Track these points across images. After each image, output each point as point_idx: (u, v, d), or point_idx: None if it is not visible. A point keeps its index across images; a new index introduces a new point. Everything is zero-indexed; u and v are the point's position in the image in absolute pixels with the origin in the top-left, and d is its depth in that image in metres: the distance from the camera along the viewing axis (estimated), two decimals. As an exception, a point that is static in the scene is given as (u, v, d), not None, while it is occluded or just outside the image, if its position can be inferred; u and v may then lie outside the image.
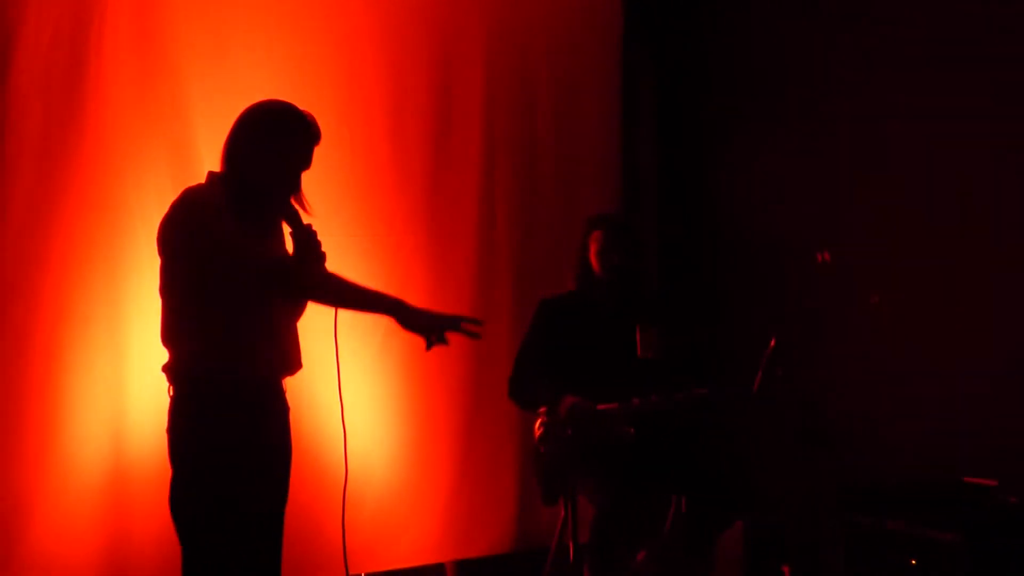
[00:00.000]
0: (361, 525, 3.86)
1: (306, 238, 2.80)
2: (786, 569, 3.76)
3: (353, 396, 3.98)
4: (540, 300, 3.88)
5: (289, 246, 2.88)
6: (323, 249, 2.82)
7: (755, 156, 4.61)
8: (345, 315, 3.79)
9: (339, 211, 4.05)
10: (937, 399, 3.72)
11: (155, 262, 3.87)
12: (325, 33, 4.33)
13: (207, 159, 3.98)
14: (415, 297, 4.41)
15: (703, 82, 5.05)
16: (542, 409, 3.67)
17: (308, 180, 2.90)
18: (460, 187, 4.61)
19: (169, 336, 2.74)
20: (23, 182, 3.72)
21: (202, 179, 3.89)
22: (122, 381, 3.80)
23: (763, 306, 4.38)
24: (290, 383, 2.94)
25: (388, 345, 4.31)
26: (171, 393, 2.72)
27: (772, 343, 3.34)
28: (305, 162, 2.82)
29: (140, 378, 3.81)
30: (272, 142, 2.76)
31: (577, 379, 3.63)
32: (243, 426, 2.69)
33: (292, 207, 2.81)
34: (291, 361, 2.88)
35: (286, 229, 2.84)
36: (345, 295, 2.79)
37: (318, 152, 2.88)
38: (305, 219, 2.84)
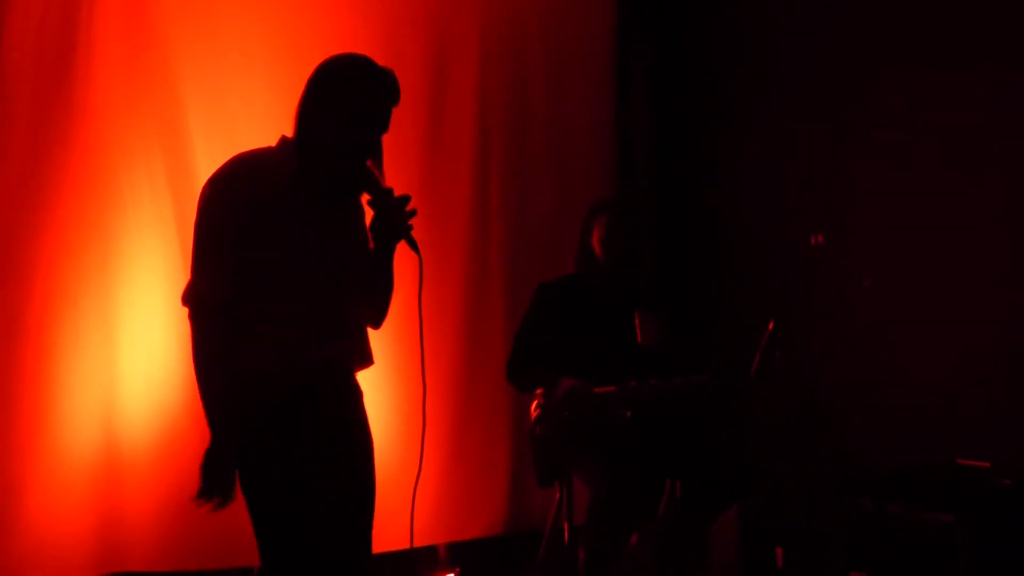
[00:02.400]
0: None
1: (387, 206, 2.49)
2: (779, 551, 3.78)
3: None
4: (539, 284, 3.86)
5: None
6: (410, 221, 2.53)
7: (752, 137, 4.61)
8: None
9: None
10: (930, 381, 3.73)
11: (145, 241, 3.88)
12: (317, 9, 4.28)
13: (197, 137, 3.97)
14: (407, 282, 4.45)
15: (699, 59, 5.03)
16: (539, 391, 3.66)
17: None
18: (453, 171, 4.59)
19: None
20: (13, 162, 3.69)
21: (192, 158, 3.94)
22: (113, 360, 3.78)
23: (760, 289, 4.38)
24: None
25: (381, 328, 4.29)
26: None
27: (770, 326, 3.34)
28: (379, 122, 2.51)
29: (131, 357, 3.81)
30: (337, 100, 2.47)
31: (575, 362, 3.63)
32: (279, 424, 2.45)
33: (369, 172, 2.50)
34: (352, 353, 2.61)
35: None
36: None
37: None
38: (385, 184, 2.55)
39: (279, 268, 2.43)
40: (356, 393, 2.66)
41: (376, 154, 2.54)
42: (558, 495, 3.69)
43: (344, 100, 2.47)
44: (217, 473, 2.38)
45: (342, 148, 2.48)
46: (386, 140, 4.34)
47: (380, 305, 2.68)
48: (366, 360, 2.67)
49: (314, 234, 2.48)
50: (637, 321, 3.66)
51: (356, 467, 2.61)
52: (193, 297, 2.45)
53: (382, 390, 4.21)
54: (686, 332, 3.78)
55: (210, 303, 2.43)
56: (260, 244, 2.41)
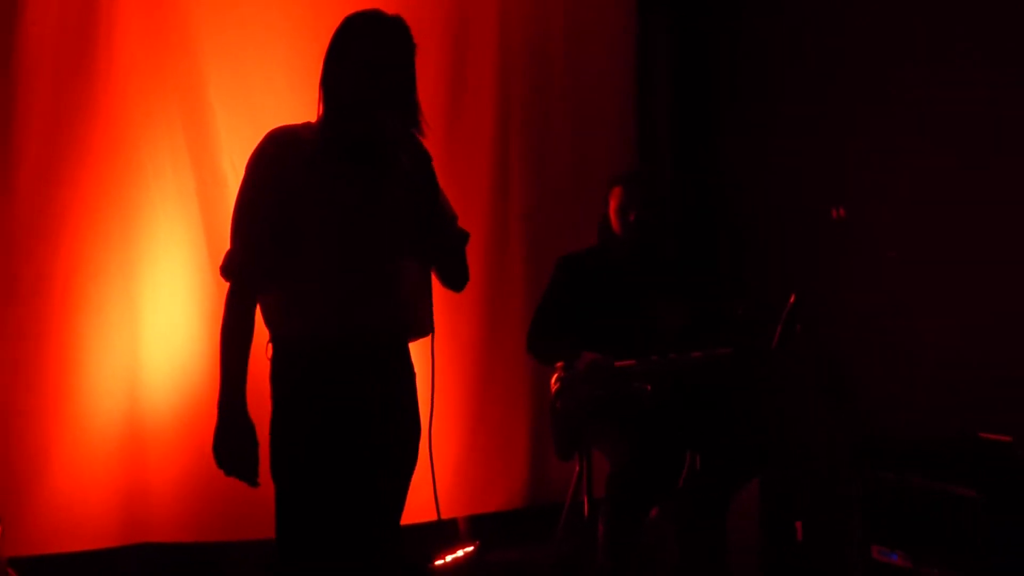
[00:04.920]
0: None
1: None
2: (799, 524, 3.78)
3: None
4: (560, 256, 3.85)
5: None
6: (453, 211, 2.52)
7: (774, 109, 4.57)
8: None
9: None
10: (953, 354, 3.71)
11: (167, 213, 3.90)
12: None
13: (219, 111, 3.97)
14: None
15: (722, 29, 4.97)
16: (559, 364, 3.66)
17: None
18: (473, 146, 4.57)
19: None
20: (36, 137, 3.70)
21: (213, 132, 3.94)
22: (136, 331, 3.81)
23: (782, 262, 4.36)
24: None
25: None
26: (269, 354, 2.47)
27: (791, 299, 3.32)
28: (394, 71, 2.39)
29: (154, 328, 3.84)
30: (350, 52, 2.40)
31: (596, 336, 3.63)
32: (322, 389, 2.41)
33: (400, 140, 2.36)
34: (398, 322, 2.49)
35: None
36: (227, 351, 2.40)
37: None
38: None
39: (314, 238, 2.37)
40: (404, 372, 2.54)
41: (407, 109, 2.42)
42: (578, 468, 3.70)
43: (355, 51, 2.39)
44: (224, 447, 2.36)
45: (361, 98, 2.38)
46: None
47: (448, 271, 2.59)
48: (422, 330, 2.54)
49: (349, 201, 2.42)
50: (659, 312, 3.66)
51: (389, 456, 2.50)
52: (227, 269, 2.42)
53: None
54: (708, 319, 3.76)
55: (242, 275, 2.41)
56: (295, 215, 2.37)
